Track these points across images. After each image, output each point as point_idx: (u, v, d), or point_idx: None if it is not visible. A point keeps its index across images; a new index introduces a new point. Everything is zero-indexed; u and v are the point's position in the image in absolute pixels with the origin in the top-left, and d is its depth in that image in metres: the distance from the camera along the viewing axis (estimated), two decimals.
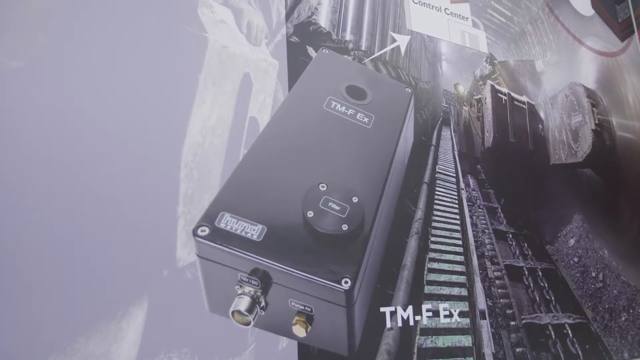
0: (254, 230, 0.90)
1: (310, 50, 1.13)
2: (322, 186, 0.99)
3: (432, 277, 1.08)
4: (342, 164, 1.04)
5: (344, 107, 1.07)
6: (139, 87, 0.90)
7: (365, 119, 1.07)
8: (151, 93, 0.91)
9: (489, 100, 1.36)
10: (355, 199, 1.00)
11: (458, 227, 1.15)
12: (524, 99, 1.45)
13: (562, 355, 1.20)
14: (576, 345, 1.23)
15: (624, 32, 1.87)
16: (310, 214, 0.97)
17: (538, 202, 1.33)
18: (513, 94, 1.43)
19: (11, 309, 0.73)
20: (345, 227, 0.98)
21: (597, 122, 1.60)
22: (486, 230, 1.19)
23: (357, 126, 1.07)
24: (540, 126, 1.44)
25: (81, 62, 0.86)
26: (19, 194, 0.76)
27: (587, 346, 1.25)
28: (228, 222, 0.89)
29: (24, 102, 0.80)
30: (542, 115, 1.47)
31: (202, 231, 0.87)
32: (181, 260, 0.85)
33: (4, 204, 0.75)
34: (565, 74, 1.62)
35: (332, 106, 1.06)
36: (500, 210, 1.23)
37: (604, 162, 1.55)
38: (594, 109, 1.61)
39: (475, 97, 1.35)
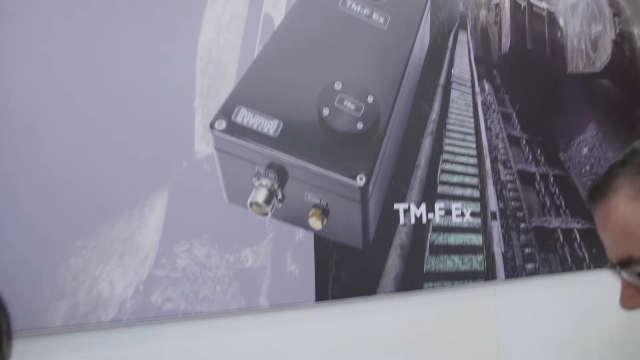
0: (270, 125, 0.91)
1: None
2: (338, 84, 0.98)
3: (446, 177, 1.09)
4: (357, 63, 1.03)
5: (359, 7, 1.05)
6: None
7: (381, 19, 1.05)
8: None
9: (507, 6, 1.32)
10: (370, 98, 1.00)
11: (472, 131, 1.15)
12: (543, 5, 1.41)
13: (569, 257, 1.23)
14: (583, 249, 1.26)
15: None
16: (325, 111, 0.97)
17: (553, 109, 1.32)
18: (532, 0, 1.39)
19: (41, 197, 0.75)
20: (360, 125, 0.99)
21: (617, 32, 1.56)
22: (500, 135, 1.19)
23: (373, 26, 1.05)
24: (558, 34, 1.41)
25: None
26: (55, 91, 0.77)
27: (593, 250, 1.28)
28: (244, 116, 0.90)
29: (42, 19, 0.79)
30: (561, 23, 1.43)
31: (219, 124, 0.88)
32: (199, 153, 0.86)
33: (42, 99, 0.76)
34: None
35: (348, 5, 1.04)
36: (515, 116, 1.23)
37: (622, 73, 1.53)
38: (616, 18, 1.57)
39: (494, 2, 1.32)
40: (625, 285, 0.59)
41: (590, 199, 0.62)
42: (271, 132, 0.91)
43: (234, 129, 0.89)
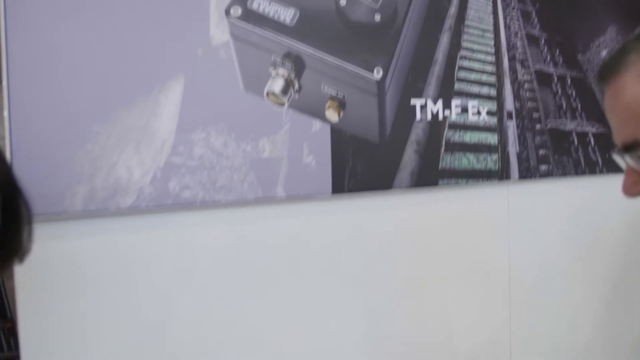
0: (286, 13, 0.88)
1: None
2: None
3: (463, 74, 1.07)
4: None
5: None
6: None
7: None
8: None
9: None
10: None
11: (491, 28, 1.11)
12: None
13: (582, 160, 1.22)
14: (597, 154, 1.26)
15: None
16: (343, 1, 0.93)
17: (573, 9, 1.27)
18: None
19: (57, 82, 0.74)
20: (378, 17, 0.96)
21: None
22: (519, 33, 1.15)
23: None
24: None
25: None
26: None
27: (607, 155, 1.27)
28: (260, 3, 0.87)
29: None
30: None
31: (234, 11, 0.85)
32: (215, 39, 0.84)
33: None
34: None
35: None
36: (534, 14, 1.18)
37: None
38: None
39: None
40: (629, 172, 0.57)
41: (599, 78, 0.58)
42: (287, 21, 0.88)
43: (250, 16, 0.86)
